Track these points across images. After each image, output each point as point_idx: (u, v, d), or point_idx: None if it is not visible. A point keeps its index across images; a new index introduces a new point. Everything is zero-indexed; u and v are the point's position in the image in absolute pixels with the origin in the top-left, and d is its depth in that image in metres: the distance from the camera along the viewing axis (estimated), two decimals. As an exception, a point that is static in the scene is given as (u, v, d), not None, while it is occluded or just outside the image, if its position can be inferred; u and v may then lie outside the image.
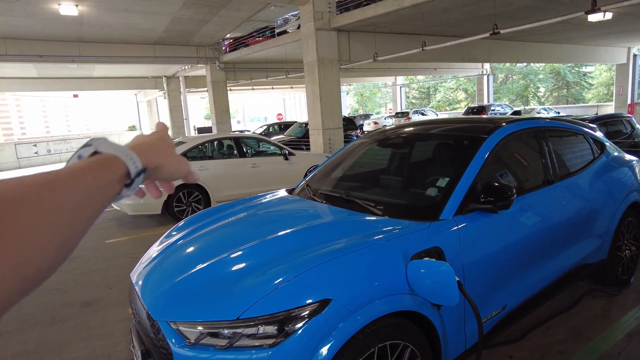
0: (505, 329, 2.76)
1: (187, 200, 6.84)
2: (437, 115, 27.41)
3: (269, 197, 3.15)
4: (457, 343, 2.20)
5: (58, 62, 13.84)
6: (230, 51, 15.89)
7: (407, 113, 24.96)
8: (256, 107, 51.04)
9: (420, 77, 36.46)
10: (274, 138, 15.57)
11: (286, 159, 7.86)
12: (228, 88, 17.68)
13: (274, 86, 25.42)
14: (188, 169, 0.67)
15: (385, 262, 1.89)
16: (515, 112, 20.31)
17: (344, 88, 37.44)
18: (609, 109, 21.00)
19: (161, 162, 0.62)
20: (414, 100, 46.55)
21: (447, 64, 21.34)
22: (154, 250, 2.63)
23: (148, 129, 29.55)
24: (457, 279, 1.84)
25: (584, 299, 3.49)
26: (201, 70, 17.34)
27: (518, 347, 2.85)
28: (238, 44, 15.72)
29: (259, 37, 14.62)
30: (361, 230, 2.15)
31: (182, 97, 21.13)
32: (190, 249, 2.46)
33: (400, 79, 32.79)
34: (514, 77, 40.19)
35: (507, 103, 29.32)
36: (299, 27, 10.84)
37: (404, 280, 1.87)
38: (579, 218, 3.08)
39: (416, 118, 23.43)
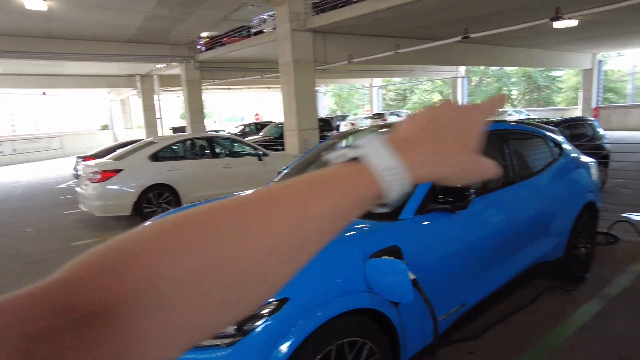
0: (465, 325, 2.85)
1: (157, 201, 6.75)
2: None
3: (236, 198, 3.16)
4: (416, 340, 2.27)
5: (25, 58, 13.40)
6: (206, 50, 15.74)
7: (383, 114, 25.25)
8: (233, 107, 50.63)
9: (396, 79, 36.91)
10: (250, 138, 15.45)
11: (260, 159, 7.85)
12: (204, 87, 17.50)
13: (250, 86, 25.28)
14: (481, 176, 0.46)
15: (345, 261, 1.94)
16: None
17: (321, 89, 37.53)
18: (577, 112, 21.75)
19: (446, 174, 0.43)
20: (390, 102, 47.03)
21: (423, 67, 21.67)
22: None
23: (122, 128, 28.88)
24: (413, 277, 1.90)
25: (543, 295, 3.63)
26: (176, 69, 17.10)
27: (478, 343, 2.95)
28: (214, 43, 15.59)
29: (236, 36, 14.53)
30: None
31: (156, 96, 20.78)
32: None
33: (377, 81, 33.10)
34: (488, 80, 41.12)
35: (480, 105, 29.89)
36: (275, 28, 10.85)
37: (362, 278, 1.92)
38: (538, 217, 3.21)
39: (392, 119, 23.73)
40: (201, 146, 7.90)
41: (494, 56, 15.90)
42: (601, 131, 8.40)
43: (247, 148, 8.23)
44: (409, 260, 2.14)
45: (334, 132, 18.19)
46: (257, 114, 35.43)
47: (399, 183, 0.39)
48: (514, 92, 41.18)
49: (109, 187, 6.47)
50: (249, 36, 13.47)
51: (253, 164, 7.85)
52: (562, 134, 7.42)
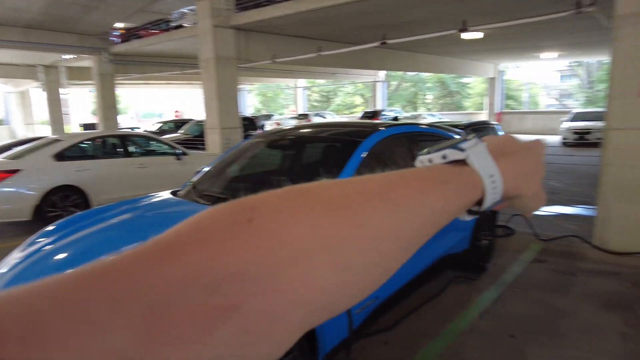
0: (380, 317, 3.01)
1: (62, 204, 6.20)
2: (335, 118, 28.52)
3: (150, 200, 3.02)
4: (333, 335, 2.34)
5: None
6: (121, 42, 14.73)
7: (308, 115, 25.57)
8: (151, 103, 47.97)
9: (320, 81, 37.59)
10: (168, 136, 14.77)
11: (179, 159, 7.54)
12: (118, 82, 16.37)
13: (170, 82, 24.19)
14: (542, 205, 0.50)
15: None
16: (394, 118, 21.93)
17: (246, 87, 36.97)
18: (483, 116, 23.80)
19: (523, 193, 0.45)
20: (315, 103, 47.68)
21: (345, 70, 22.30)
22: (14, 257, 2.36)
23: (21, 124, 25.97)
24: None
25: (450, 285, 3.94)
26: (87, 61, 15.80)
27: (392, 333, 3.12)
28: (130, 35, 14.64)
29: (154, 29, 13.79)
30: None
31: (63, 89, 19.00)
32: (59, 256, 2.27)
33: (302, 82, 33.42)
34: (406, 84, 43.43)
35: (398, 109, 31.62)
36: (196, 23, 10.49)
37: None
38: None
39: (316, 120, 24.11)
40: (113, 144, 7.39)
41: (411, 62, 16.84)
42: (502, 134, 9.30)
43: (165, 147, 7.85)
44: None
45: (259, 131, 18.02)
46: (177, 111, 33.89)
47: (496, 192, 0.40)
48: (429, 97, 43.94)
49: (4, 189, 5.81)
50: (168, 30, 12.86)
51: (171, 163, 7.52)
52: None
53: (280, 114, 39.96)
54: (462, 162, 0.39)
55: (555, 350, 2.86)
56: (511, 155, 0.44)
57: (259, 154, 3.34)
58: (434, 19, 9.42)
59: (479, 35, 11.30)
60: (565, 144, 15.88)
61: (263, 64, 11.03)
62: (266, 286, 0.26)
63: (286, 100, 49.22)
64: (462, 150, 0.39)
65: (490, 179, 0.39)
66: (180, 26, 12.22)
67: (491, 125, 9.23)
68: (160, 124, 19.40)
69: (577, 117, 16.55)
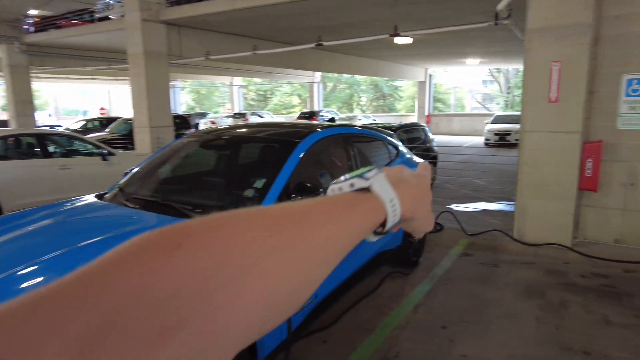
0: (319, 316, 3.04)
1: (-31, 209, 5.56)
2: (273, 118, 28.36)
3: (73, 204, 2.80)
4: (273, 337, 2.33)
5: None
6: (36, 32, 13.48)
7: (245, 114, 25.17)
8: (75, 99, 44.49)
9: (257, 80, 37.17)
10: (93, 135, 13.84)
11: (105, 159, 7.06)
12: (34, 75, 14.98)
13: (95, 77, 22.58)
14: (431, 227, 0.56)
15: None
16: (331, 119, 22.34)
17: (178, 84, 35.57)
18: (414, 118, 24.92)
19: (416, 215, 0.51)
20: (252, 102, 47.07)
21: (282, 70, 22.26)
22: None
23: None
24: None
25: (386, 280, 4.08)
26: (-5, 51, 14.26)
27: (331, 331, 3.17)
28: (47, 24, 13.44)
29: (76, 20, 12.77)
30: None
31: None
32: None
33: (238, 80, 32.82)
34: (341, 86, 44.27)
35: (334, 110, 32.16)
36: (123, 15, 9.89)
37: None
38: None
39: (253, 119, 23.81)
40: (29, 144, 6.75)
41: (346, 64, 17.20)
42: (431, 135, 9.80)
43: (89, 146, 7.33)
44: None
45: (192, 129, 17.41)
46: (102, 108, 31.79)
47: (396, 214, 0.46)
48: (364, 99, 45.16)
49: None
50: (92, 21, 11.99)
51: (96, 164, 7.02)
52: (401, 137, 8.44)
53: (216, 113, 38.96)
54: (367, 190, 0.44)
55: (482, 337, 3.07)
56: (405, 182, 0.50)
57: (192, 154, 3.23)
58: (368, 23, 9.70)
59: (409, 40, 11.80)
60: (487, 144, 17.09)
61: (197, 61, 10.68)
62: (205, 304, 0.27)
63: (221, 98, 48.05)
64: (366, 179, 0.45)
65: (390, 203, 0.45)
66: (106, 18, 11.46)
67: (421, 127, 9.66)
68: (84, 122, 18.08)
69: (498, 119, 17.88)
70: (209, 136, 3.27)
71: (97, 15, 11.75)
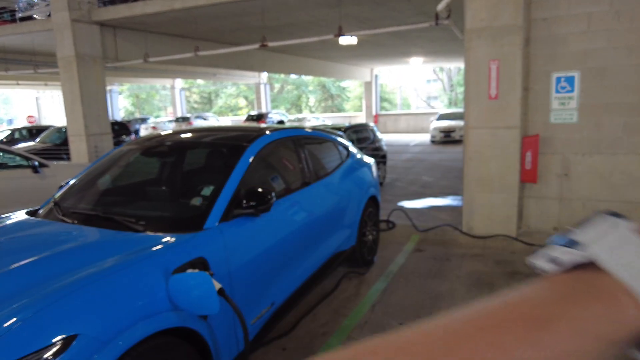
0: (277, 323, 2.95)
1: None
2: (219, 121, 27.70)
3: (1, 223, 2.52)
4: (230, 348, 2.21)
5: None
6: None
7: (189, 118, 24.39)
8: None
9: (200, 82, 36.18)
10: (22, 146, 12.82)
11: (36, 172, 6.51)
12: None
13: (19, 81, 20.89)
14: None
15: (143, 282, 1.75)
16: (280, 122, 22.22)
17: (115, 88, 33.83)
18: (361, 118, 25.35)
19: None
20: (195, 105, 45.77)
21: (226, 70, 21.79)
22: None
23: None
24: (219, 286, 1.84)
25: (342, 282, 4.06)
26: None
27: (290, 338, 3.09)
28: (-39, 25, 12.22)
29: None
30: (117, 251, 1.93)
31: None
32: None
33: (180, 82, 31.76)
34: (289, 87, 44.18)
35: (283, 111, 32.02)
36: (50, 15, 9.20)
37: (165, 297, 1.76)
38: (333, 213, 3.56)
39: (198, 123, 23.13)
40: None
41: (292, 65, 17.15)
42: (379, 135, 9.96)
43: (17, 158, 6.73)
44: (216, 270, 2.07)
45: (133, 136, 16.59)
46: (30, 116, 29.47)
47: None
48: (312, 100, 45.35)
49: None
50: (14, 21, 11.05)
51: (26, 177, 6.45)
52: (350, 138, 8.51)
53: (157, 117, 37.44)
54: (588, 267, 0.25)
55: (438, 331, 3.12)
56: None
57: (133, 163, 3.02)
58: (313, 23, 9.69)
59: (354, 40, 11.94)
60: (433, 142, 17.68)
61: (135, 63, 10.16)
62: None
63: (163, 102, 46.31)
64: (580, 244, 0.24)
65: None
66: (30, 18, 10.61)
67: (370, 127, 9.80)
68: (10, 132, 16.68)
69: (442, 117, 18.54)
70: (151, 143, 3.07)
71: (19, 15, 10.86)
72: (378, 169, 8.67)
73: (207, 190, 2.40)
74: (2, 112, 41.03)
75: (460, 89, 31.99)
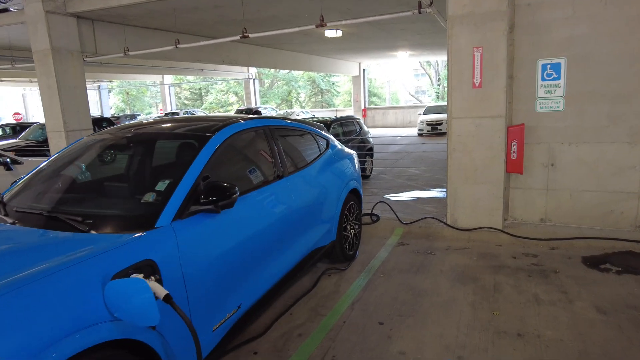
0: (246, 326, 2.78)
1: None
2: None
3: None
4: (188, 357, 2.04)
5: None
6: None
7: (178, 114, 24.08)
8: (-17, 105, 40.07)
9: (190, 78, 35.70)
10: (3, 143, 12.56)
11: (8, 168, 6.31)
12: None
13: (2, 78, 20.43)
14: None
15: (73, 290, 1.55)
16: (256, 112, 21.87)
17: (104, 85, 33.33)
18: (350, 112, 25.15)
19: None
20: (186, 101, 45.31)
21: (214, 66, 21.43)
22: None
23: None
24: (164, 293, 1.67)
25: (322, 278, 3.90)
26: None
27: (263, 340, 2.92)
28: None
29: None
30: (50, 254, 1.73)
31: None
32: None
33: (169, 78, 31.32)
34: (279, 82, 43.79)
35: (273, 106, 31.71)
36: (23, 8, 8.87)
37: (102, 305, 1.58)
38: (309, 207, 3.39)
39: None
40: None
41: (278, 59, 16.90)
42: (365, 128, 9.81)
43: (-11, 156, 6.54)
44: (168, 273, 1.89)
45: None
46: (17, 113, 28.96)
47: None
48: (302, 95, 45.03)
49: None
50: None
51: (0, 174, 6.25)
52: (336, 131, 8.32)
53: (148, 114, 37.02)
54: None
55: (419, 330, 2.97)
56: None
57: (89, 157, 2.82)
58: (295, 16, 9.46)
59: (338, 33, 11.75)
60: (420, 135, 17.60)
61: (116, 57, 9.86)
62: None
63: (153, 98, 45.78)
64: None
65: None
66: (5, 10, 10.26)
67: (355, 120, 9.64)
68: (-8, 129, 16.34)
69: (429, 110, 18.49)
70: (111, 135, 2.87)
71: (-4, 9, 10.50)
72: (364, 161, 8.57)
73: (161, 185, 2.21)
74: (-14, 110, 40.18)
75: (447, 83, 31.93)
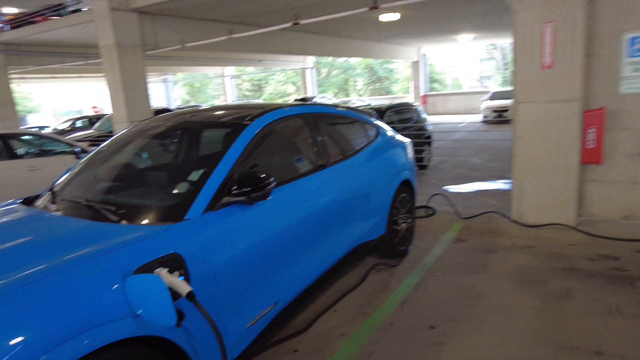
0: (285, 323, 2.66)
1: None
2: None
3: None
4: (217, 356, 1.94)
5: None
6: (11, 29, 12.96)
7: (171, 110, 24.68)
8: (71, 99, 43.88)
9: (249, 69, 36.46)
10: (79, 134, 13.54)
11: (78, 157, 6.69)
12: (16, 75, 14.49)
13: (82, 75, 22.06)
14: None
15: (92, 284, 1.48)
16: (302, 99, 21.49)
17: (170, 78, 35.01)
18: (409, 99, 24.33)
19: None
20: (247, 92, 46.43)
21: (272, 56, 21.64)
22: None
23: None
24: (188, 289, 1.56)
25: (370, 274, 3.69)
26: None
27: (304, 337, 2.79)
28: (22, 21, 12.92)
29: (54, 15, 12.25)
30: (73, 246, 1.67)
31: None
32: None
33: (230, 70, 32.18)
34: (336, 71, 43.49)
35: (330, 95, 31.53)
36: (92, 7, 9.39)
37: (122, 301, 1.50)
38: (353, 199, 3.18)
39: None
40: (-7, 146, 6.40)
41: (333, 47, 16.64)
42: (424, 115, 9.33)
43: (63, 145, 7.01)
44: (195, 268, 1.79)
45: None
46: (95, 107, 31.32)
47: None
48: (359, 83, 44.42)
49: None
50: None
51: (69, 164, 6.62)
52: (391, 119, 7.97)
53: (210, 105, 38.26)
54: None
55: (475, 337, 2.68)
56: None
57: (132, 146, 2.81)
58: (347, 1, 9.16)
59: (395, 16, 11.24)
60: (485, 122, 16.61)
61: (176, 50, 10.19)
62: None
63: (216, 90, 47.43)
64: None
65: None
66: (77, 10, 10.97)
67: (413, 107, 9.19)
68: (71, 121, 17.71)
69: (495, 96, 17.37)
70: (153, 124, 2.84)
71: (70, 9, 11.25)
72: (421, 150, 8.15)
73: (194, 175, 2.12)
74: (74, 104, 43.91)
75: (519, 66, 29.76)
